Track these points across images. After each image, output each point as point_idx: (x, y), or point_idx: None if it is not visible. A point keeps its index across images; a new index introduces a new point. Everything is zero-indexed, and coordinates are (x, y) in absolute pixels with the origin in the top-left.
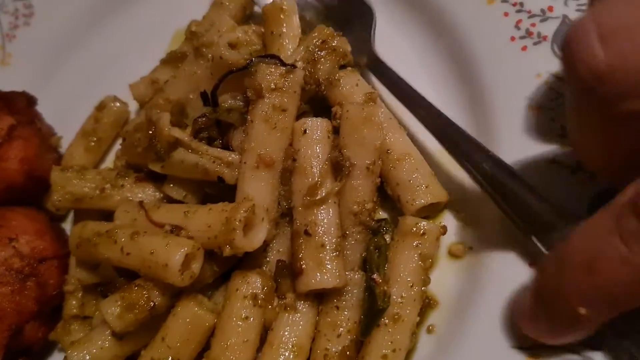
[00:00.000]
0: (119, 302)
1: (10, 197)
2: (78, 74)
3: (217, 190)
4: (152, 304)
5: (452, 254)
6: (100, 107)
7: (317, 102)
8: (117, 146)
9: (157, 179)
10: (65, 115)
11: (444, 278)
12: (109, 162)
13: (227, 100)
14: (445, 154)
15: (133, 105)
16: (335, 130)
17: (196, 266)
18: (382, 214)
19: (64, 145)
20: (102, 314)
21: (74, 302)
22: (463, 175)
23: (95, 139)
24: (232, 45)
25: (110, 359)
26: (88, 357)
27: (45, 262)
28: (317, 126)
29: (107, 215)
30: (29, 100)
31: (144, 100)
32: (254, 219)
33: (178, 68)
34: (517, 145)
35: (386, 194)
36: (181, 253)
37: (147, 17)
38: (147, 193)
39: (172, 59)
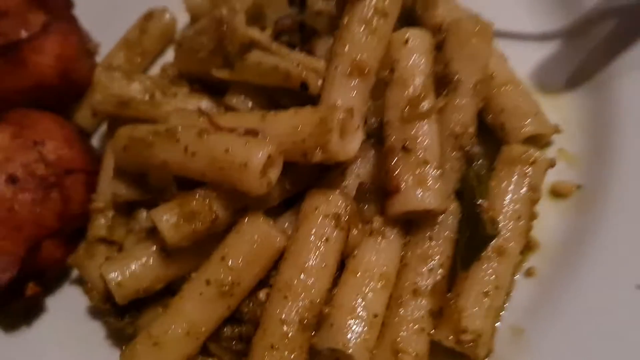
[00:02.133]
0: (176, 210)
1: (39, 98)
2: None
3: (294, 101)
4: (214, 215)
5: (557, 193)
6: (148, 17)
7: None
8: (160, 62)
9: (214, 93)
10: (101, 23)
11: (546, 219)
12: None
13: (318, 2)
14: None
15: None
16: (437, 47)
17: (274, 174)
18: None
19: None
20: (155, 222)
21: (102, 222)
22: (567, 111)
23: (139, 50)
24: None
25: (152, 279)
26: (128, 274)
27: (72, 174)
28: (420, 36)
29: None
30: (66, 2)
31: (198, 14)
32: (350, 125)
33: None
34: None
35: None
36: (264, 152)
37: None
38: (204, 104)
39: None
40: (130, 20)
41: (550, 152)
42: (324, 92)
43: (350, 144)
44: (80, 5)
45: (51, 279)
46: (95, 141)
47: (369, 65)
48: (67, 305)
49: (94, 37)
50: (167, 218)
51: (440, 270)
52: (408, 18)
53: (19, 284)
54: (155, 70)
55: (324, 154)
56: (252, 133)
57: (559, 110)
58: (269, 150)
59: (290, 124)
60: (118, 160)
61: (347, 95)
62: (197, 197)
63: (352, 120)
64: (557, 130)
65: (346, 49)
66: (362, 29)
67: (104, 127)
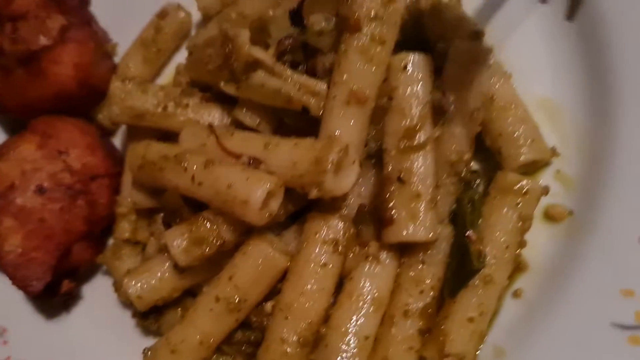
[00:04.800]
0: (186, 235)
1: (61, 105)
2: None
3: (297, 121)
4: (221, 240)
5: (549, 217)
6: (162, 14)
7: (412, 33)
8: (175, 60)
9: (225, 101)
10: (118, 20)
11: (537, 241)
12: (165, 76)
13: (319, 22)
14: (548, 107)
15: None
16: (437, 70)
17: (275, 204)
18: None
19: (119, 53)
20: (167, 246)
21: (126, 225)
22: (568, 131)
23: (154, 49)
24: None
25: (168, 291)
26: (146, 287)
27: (97, 179)
28: (419, 62)
29: (165, 135)
30: (82, 0)
31: (210, 13)
32: (345, 160)
33: None
34: None
35: (479, 143)
36: (263, 190)
37: None
38: (215, 116)
39: None
40: (145, 16)
41: (548, 172)
42: (323, 120)
43: (345, 179)
44: (95, 2)
45: (84, 273)
46: (117, 139)
47: (366, 94)
48: (100, 294)
49: (110, 34)
50: (178, 243)
51: (431, 293)
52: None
53: (54, 283)
54: (171, 66)
55: (319, 192)
56: (255, 162)
57: (559, 131)
58: (268, 187)
59: (289, 158)
60: (135, 176)
61: (345, 124)
62: (205, 222)
63: (347, 156)
64: (554, 154)
65: (344, 77)
66: (359, 57)
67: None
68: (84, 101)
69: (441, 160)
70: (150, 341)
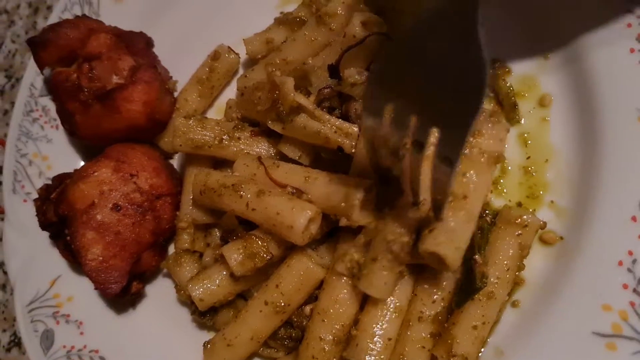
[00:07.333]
0: (241, 251)
1: (130, 135)
2: (186, 18)
3: (332, 156)
4: (270, 255)
5: (544, 241)
6: (215, 56)
7: None
8: (226, 93)
9: (271, 135)
10: (177, 60)
11: (533, 260)
12: (216, 107)
13: (353, 75)
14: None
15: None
16: None
17: (314, 227)
18: None
19: (177, 88)
20: (225, 259)
21: (185, 237)
22: (562, 170)
23: (208, 86)
24: (364, 24)
25: (224, 294)
26: (207, 291)
27: (161, 198)
28: None
29: (217, 162)
30: (147, 42)
31: (256, 56)
32: (370, 198)
33: (293, 31)
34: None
35: None
36: (305, 217)
37: None
38: (262, 147)
39: (287, 21)
40: (199, 56)
41: (545, 201)
42: (356, 157)
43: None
44: (158, 45)
45: (147, 275)
46: (174, 161)
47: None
48: (162, 292)
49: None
50: (235, 257)
51: (442, 303)
52: None
53: (126, 284)
54: (221, 99)
55: (348, 221)
56: (298, 192)
57: (555, 169)
58: (309, 215)
59: (324, 191)
60: (196, 199)
61: None
62: (256, 240)
63: (371, 194)
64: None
65: None
66: None
67: None
68: (149, 130)
69: None
70: (204, 334)
